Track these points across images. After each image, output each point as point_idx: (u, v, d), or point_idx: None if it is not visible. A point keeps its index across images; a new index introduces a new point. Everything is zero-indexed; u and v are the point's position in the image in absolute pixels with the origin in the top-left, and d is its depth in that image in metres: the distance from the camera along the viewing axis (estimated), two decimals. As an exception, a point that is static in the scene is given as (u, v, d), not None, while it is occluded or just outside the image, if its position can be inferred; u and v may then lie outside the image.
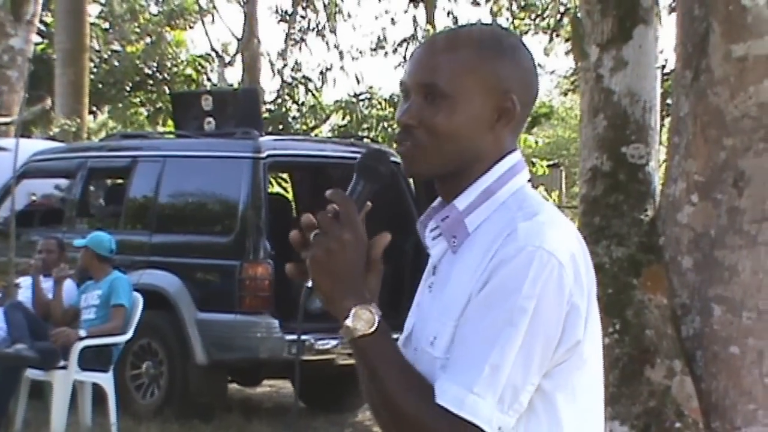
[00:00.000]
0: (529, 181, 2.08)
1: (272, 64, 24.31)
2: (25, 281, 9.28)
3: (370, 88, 21.02)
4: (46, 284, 9.19)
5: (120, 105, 26.08)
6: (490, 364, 1.90)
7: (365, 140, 13.20)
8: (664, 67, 13.22)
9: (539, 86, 2.10)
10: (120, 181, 11.22)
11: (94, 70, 23.85)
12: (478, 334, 1.92)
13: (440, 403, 1.91)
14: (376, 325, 1.96)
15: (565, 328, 1.95)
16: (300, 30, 25.09)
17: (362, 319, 1.96)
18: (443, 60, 2.01)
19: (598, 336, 2.04)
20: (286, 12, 25.19)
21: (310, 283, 2.00)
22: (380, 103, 20.06)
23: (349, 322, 1.97)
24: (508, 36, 2.08)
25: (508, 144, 2.05)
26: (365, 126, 19.32)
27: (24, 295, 9.15)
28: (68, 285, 9.04)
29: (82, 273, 9.18)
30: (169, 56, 25.66)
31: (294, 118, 21.06)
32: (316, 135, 19.99)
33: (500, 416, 1.91)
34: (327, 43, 25.07)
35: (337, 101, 20.88)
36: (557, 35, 20.94)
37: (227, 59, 26.58)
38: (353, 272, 1.97)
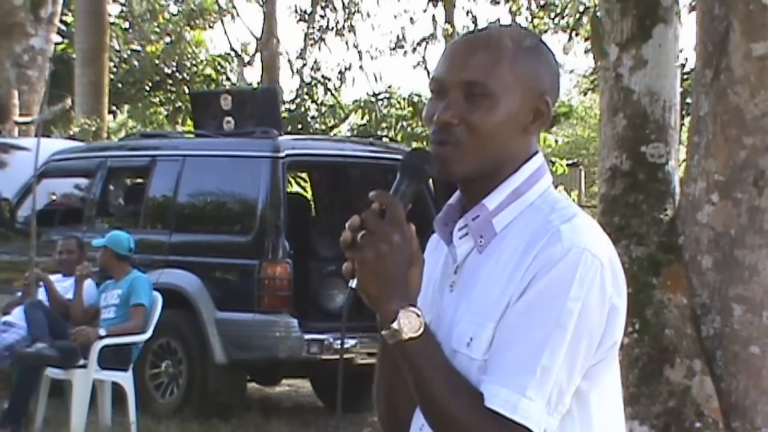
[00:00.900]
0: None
1: (291, 64, 24.35)
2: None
3: (389, 87, 21.07)
4: (66, 283, 9.22)
5: (139, 104, 26.16)
6: (541, 366, 1.90)
7: (384, 140, 13.20)
8: (683, 66, 13.18)
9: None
10: (139, 180, 11.25)
11: (114, 69, 23.92)
12: (527, 337, 1.91)
13: (491, 407, 1.90)
14: (422, 328, 1.94)
15: (606, 329, 1.96)
16: (319, 29, 25.11)
17: (409, 322, 1.93)
18: (487, 59, 2.00)
19: None
20: (305, 11, 25.22)
21: (353, 284, 1.94)
22: (399, 103, 20.09)
23: (395, 325, 1.93)
24: (538, 38, 2.09)
25: (534, 145, 2.06)
26: (384, 125, 19.35)
27: (42, 295, 9.18)
28: (88, 284, 9.06)
29: (102, 272, 9.21)
30: (189, 56, 25.73)
31: (313, 117, 21.11)
32: (335, 134, 20.02)
33: (547, 418, 1.92)
34: (346, 43, 25.10)
35: (356, 101, 20.93)
36: (576, 34, 20.91)
37: (246, 59, 26.62)
38: (400, 274, 1.94)
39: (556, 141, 21.23)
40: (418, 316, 1.93)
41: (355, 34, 25.28)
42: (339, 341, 9.06)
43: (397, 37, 25.34)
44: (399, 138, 18.22)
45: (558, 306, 1.91)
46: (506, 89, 1.99)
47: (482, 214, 2.01)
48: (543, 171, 2.05)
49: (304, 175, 14.36)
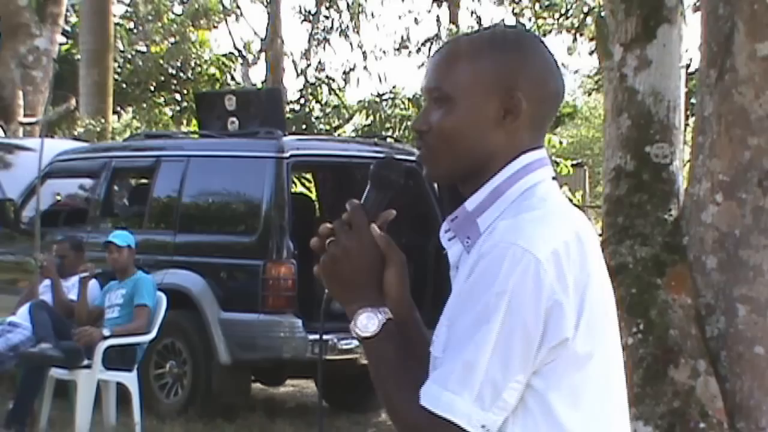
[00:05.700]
0: (553, 178, 2.06)
1: (296, 64, 24.37)
2: (45, 283, 9.30)
3: (394, 87, 21.05)
4: (66, 284, 9.22)
5: (144, 105, 26.17)
6: (463, 361, 1.91)
7: (388, 140, 13.19)
8: (688, 66, 13.16)
9: (560, 82, 2.07)
10: (144, 180, 11.25)
11: (119, 70, 23.93)
12: (455, 333, 1.95)
13: (421, 403, 1.94)
14: (378, 328, 2.03)
15: (548, 325, 1.92)
16: (323, 30, 25.12)
17: (365, 322, 2.04)
18: (445, 64, 2.05)
19: (611, 336, 2.01)
20: (309, 12, 25.23)
21: None
22: (403, 103, 20.09)
23: (353, 324, 2.06)
24: (516, 34, 2.08)
25: (526, 142, 2.04)
26: (388, 125, 19.35)
27: (45, 296, 9.18)
28: (92, 285, 9.07)
29: (122, 273, 9.08)
30: (193, 56, 25.73)
31: (317, 117, 21.12)
32: (339, 135, 20.02)
33: (481, 414, 1.91)
34: (350, 43, 25.11)
35: (360, 101, 20.92)
36: (581, 35, 20.91)
37: (251, 59, 26.62)
38: (359, 277, 2.05)
39: (561, 142, 21.20)
40: (376, 316, 2.03)
41: (359, 34, 25.30)
42: (343, 342, 9.06)
43: (402, 37, 25.39)
44: (403, 138, 18.22)
45: (482, 301, 1.92)
46: (463, 90, 2.02)
47: (461, 215, 2.04)
48: (532, 168, 2.03)
49: (308, 175, 14.36)
